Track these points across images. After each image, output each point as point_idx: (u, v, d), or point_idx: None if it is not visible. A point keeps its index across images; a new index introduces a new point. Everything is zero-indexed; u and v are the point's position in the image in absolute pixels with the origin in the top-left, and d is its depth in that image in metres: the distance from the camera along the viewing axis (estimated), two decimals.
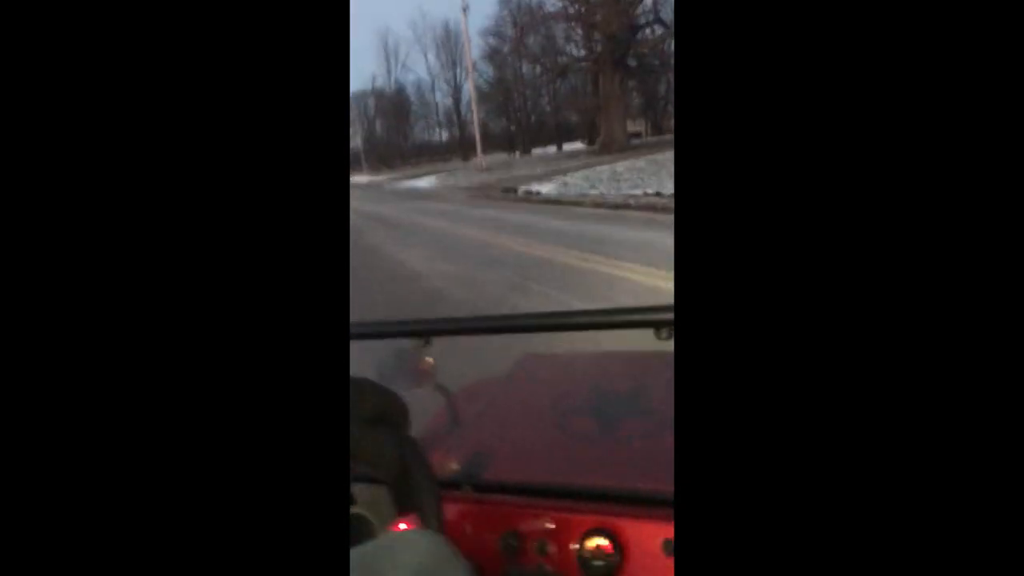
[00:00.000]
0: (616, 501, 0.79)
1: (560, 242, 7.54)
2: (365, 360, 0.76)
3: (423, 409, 1.15)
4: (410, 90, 58.07)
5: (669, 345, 0.65)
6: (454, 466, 0.99)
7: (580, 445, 1.02)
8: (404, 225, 12.08)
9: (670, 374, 0.94)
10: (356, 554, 0.40)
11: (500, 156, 44.12)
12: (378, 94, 59.09)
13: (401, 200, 18.81)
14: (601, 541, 0.73)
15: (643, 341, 0.80)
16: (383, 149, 59.38)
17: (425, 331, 0.96)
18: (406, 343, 0.97)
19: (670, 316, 0.75)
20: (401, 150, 58.94)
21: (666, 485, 0.68)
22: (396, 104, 58.04)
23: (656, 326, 0.77)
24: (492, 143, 46.36)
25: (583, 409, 1.14)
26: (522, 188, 15.63)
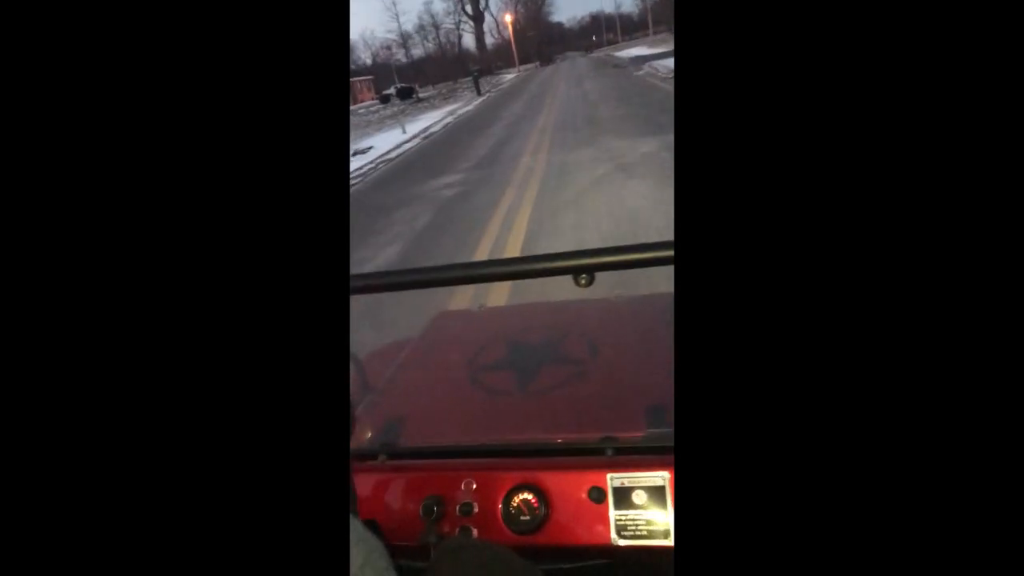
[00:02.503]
0: (539, 455, 0.78)
1: None
2: None
3: None
4: None
5: (586, 292, 0.75)
6: (368, 435, 0.93)
7: (499, 401, 0.97)
8: None
9: (582, 321, 1.17)
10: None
11: None
12: None
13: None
14: (526, 496, 0.73)
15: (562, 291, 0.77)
16: None
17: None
18: None
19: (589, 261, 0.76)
20: None
21: (586, 433, 0.79)
22: None
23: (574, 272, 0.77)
24: None
25: (499, 363, 1.07)
26: None
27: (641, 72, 17.53)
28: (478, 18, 48.88)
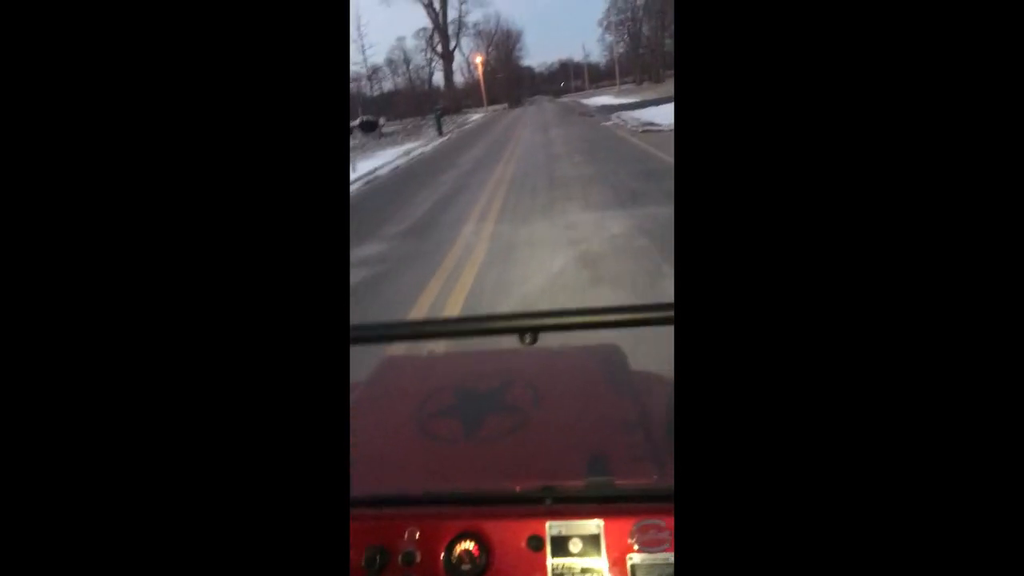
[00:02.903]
0: (482, 503, 0.80)
1: None
2: None
3: None
4: None
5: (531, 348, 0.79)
6: None
7: (445, 448, 0.99)
8: None
9: (527, 369, 1.16)
10: None
11: None
12: None
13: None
14: (468, 545, 0.74)
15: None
16: (647, 58, 47.31)
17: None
18: None
19: (535, 322, 0.81)
20: (668, 59, 45.72)
21: (528, 482, 0.80)
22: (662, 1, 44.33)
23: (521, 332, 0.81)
24: None
25: (446, 411, 1.08)
26: None
27: (609, 123, 16.59)
28: (447, 57, 48.34)
